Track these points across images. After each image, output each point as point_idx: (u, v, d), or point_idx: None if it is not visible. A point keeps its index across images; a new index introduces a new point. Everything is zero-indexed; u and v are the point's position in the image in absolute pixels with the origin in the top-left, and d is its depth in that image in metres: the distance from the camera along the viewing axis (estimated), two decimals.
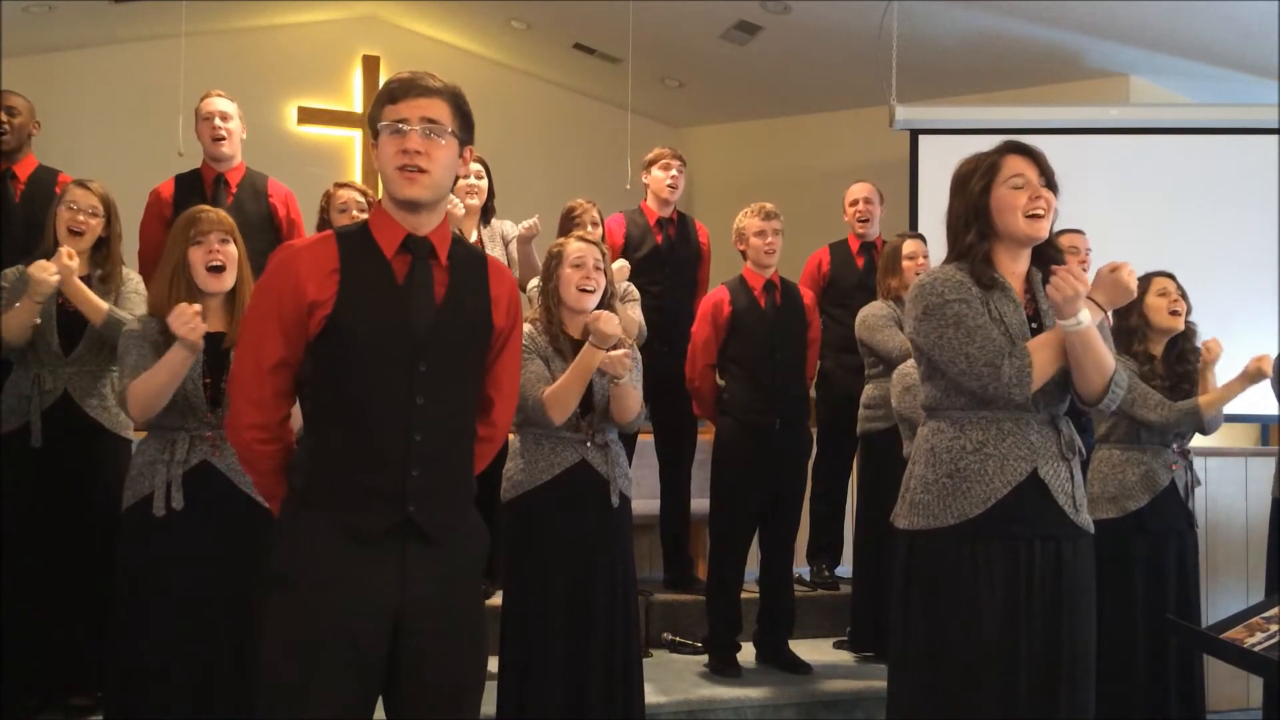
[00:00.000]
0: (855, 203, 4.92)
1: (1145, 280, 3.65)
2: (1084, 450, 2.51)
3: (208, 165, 4.14)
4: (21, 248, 3.53)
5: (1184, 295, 3.64)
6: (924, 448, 2.52)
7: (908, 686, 2.50)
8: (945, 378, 2.46)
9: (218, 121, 4.07)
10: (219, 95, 4.14)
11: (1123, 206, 6.20)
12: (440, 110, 1.97)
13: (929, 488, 2.46)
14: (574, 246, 3.22)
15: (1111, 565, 3.51)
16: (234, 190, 4.10)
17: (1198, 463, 3.81)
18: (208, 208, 2.97)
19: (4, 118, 3.93)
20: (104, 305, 3.33)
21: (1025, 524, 2.41)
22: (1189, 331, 3.65)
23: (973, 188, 2.47)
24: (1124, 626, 3.52)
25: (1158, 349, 3.61)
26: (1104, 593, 3.48)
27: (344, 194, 4.11)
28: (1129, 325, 3.62)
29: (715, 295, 4.21)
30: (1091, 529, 2.50)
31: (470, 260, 2.09)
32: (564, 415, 3.07)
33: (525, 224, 4.28)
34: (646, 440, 4.72)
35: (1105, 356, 2.42)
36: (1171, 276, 3.65)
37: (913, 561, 2.49)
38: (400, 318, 1.97)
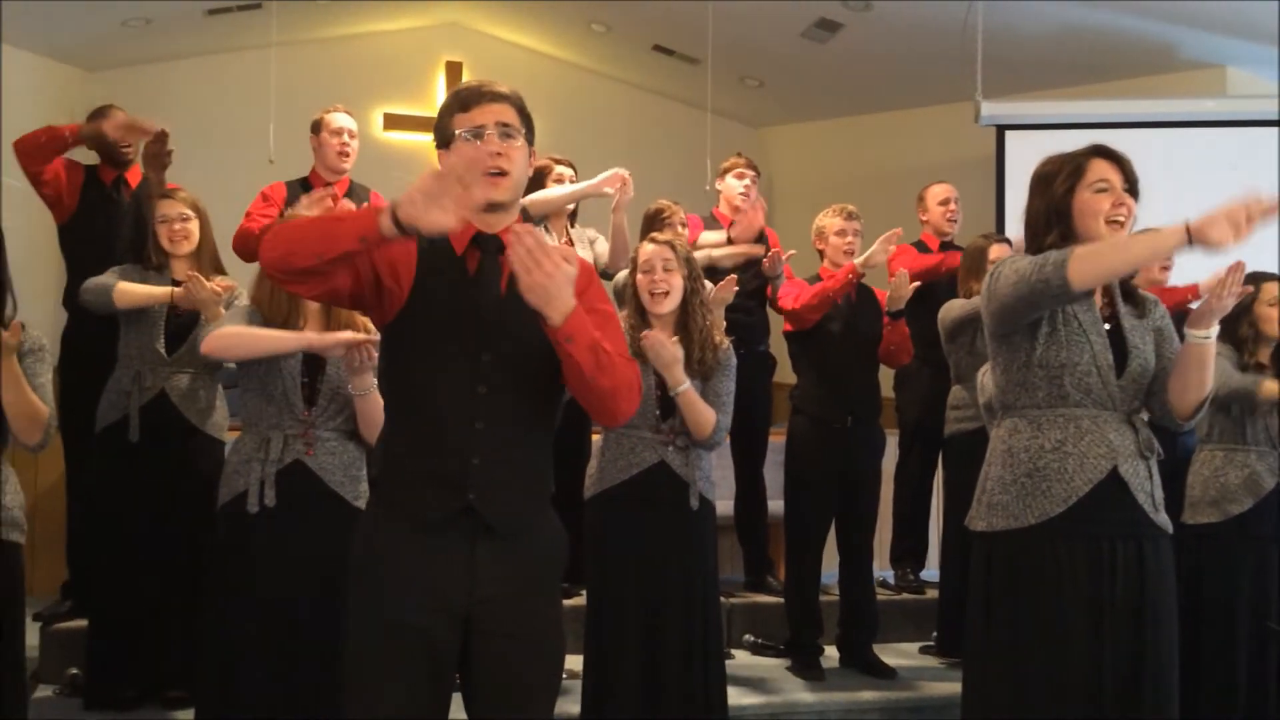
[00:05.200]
0: (946, 202, 4.94)
1: (1256, 283, 3.44)
2: (1161, 451, 2.49)
3: (317, 175, 4.25)
4: (131, 245, 3.69)
5: None
6: (1000, 449, 2.50)
7: (987, 689, 2.47)
8: (1017, 369, 2.44)
9: (346, 138, 4.22)
10: (345, 111, 4.27)
11: (1221, 202, 6.00)
12: (510, 114, 2.02)
13: (1007, 488, 2.44)
14: (644, 250, 3.25)
15: (1212, 572, 3.41)
16: (339, 200, 4.21)
17: None
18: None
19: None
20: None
21: (1106, 523, 2.39)
22: None
23: (1056, 189, 2.46)
24: (1226, 632, 3.41)
25: (1265, 357, 3.47)
26: (1205, 598, 3.41)
27: None
28: (1239, 336, 3.48)
29: (797, 284, 4.25)
30: (1170, 529, 2.46)
31: None
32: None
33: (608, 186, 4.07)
34: None
35: (1210, 376, 2.44)
36: None
37: (994, 564, 2.47)
38: (469, 308, 1.99)
